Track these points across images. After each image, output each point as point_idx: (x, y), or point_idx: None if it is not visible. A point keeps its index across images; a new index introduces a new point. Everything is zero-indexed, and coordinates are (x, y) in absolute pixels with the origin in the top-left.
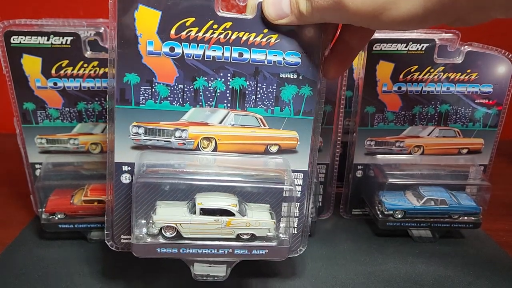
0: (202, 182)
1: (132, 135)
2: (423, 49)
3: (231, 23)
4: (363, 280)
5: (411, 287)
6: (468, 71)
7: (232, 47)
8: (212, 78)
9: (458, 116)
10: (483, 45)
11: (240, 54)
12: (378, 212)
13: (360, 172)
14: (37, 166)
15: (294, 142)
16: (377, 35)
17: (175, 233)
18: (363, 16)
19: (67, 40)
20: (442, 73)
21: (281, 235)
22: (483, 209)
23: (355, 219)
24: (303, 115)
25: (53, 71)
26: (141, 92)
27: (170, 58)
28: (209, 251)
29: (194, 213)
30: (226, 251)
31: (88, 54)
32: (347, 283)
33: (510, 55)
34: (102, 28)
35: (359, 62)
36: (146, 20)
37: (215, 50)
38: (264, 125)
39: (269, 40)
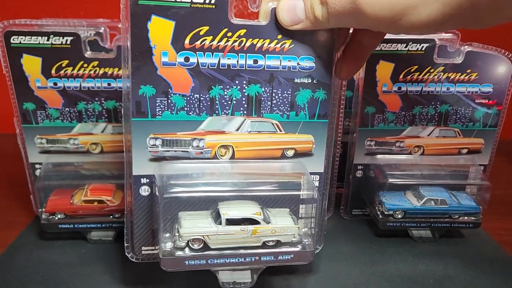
0: (227, 194)
1: (150, 147)
2: (423, 49)
3: (245, 30)
4: (363, 280)
5: (411, 287)
6: (468, 71)
7: (247, 54)
8: (227, 86)
9: (458, 116)
10: (483, 45)
11: (255, 61)
12: (378, 212)
13: (360, 173)
14: (37, 166)
15: (310, 145)
16: None
17: (202, 244)
18: (381, 21)
19: (67, 40)
20: (442, 73)
21: (304, 240)
22: (483, 208)
23: (355, 219)
24: (318, 119)
25: (53, 71)
26: (157, 104)
27: (185, 68)
28: (237, 260)
29: (220, 223)
30: (253, 259)
31: (88, 54)
32: (347, 283)
33: (510, 55)
34: (102, 28)
35: None
36: (160, 30)
37: (230, 58)
38: (280, 130)
39: (283, 46)
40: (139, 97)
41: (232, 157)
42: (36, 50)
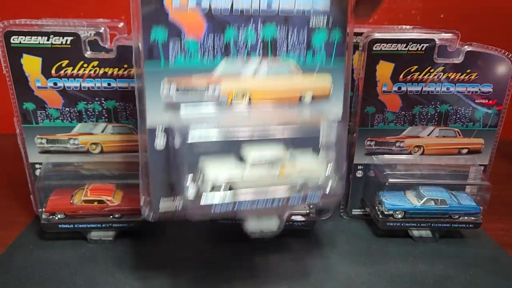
0: (250, 136)
1: (164, 93)
2: (423, 49)
3: None
4: (363, 280)
5: (411, 286)
6: (468, 71)
7: None
8: (243, 26)
9: (458, 116)
10: (482, 45)
11: (269, 6)
12: (378, 212)
13: (360, 172)
14: (37, 166)
15: (328, 87)
16: (377, 35)
17: (228, 188)
18: None
19: (67, 40)
20: (442, 73)
21: (330, 180)
22: (483, 209)
23: (355, 219)
24: (336, 57)
25: (53, 71)
26: (169, 49)
27: (198, 12)
28: (265, 204)
29: (246, 166)
30: (280, 202)
31: (88, 54)
32: (347, 283)
33: (510, 54)
34: (102, 28)
35: (359, 63)
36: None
37: (243, 3)
38: (298, 71)
39: None
40: (151, 44)
41: (249, 102)
42: (36, 50)
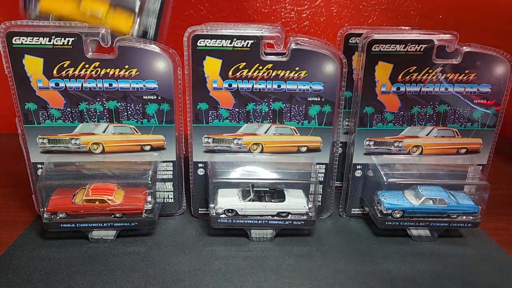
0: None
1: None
2: (422, 50)
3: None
4: (362, 280)
5: (410, 286)
6: (467, 71)
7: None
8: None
9: (457, 116)
10: (481, 45)
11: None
12: (377, 211)
13: (359, 172)
14: (39, 166)
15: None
16: (376, 36)
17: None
18: None
19: (68, 40)
20: (440, 74)
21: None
22: (481, 208)
23: (354, 218)
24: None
25: (54, 72)
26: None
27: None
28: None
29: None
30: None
31: (89, 55)
32: (346, 283)
33: (509, 55)
34: (104, 29)
35: (358, 63)
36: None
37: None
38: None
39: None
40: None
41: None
42: (37, 51)
